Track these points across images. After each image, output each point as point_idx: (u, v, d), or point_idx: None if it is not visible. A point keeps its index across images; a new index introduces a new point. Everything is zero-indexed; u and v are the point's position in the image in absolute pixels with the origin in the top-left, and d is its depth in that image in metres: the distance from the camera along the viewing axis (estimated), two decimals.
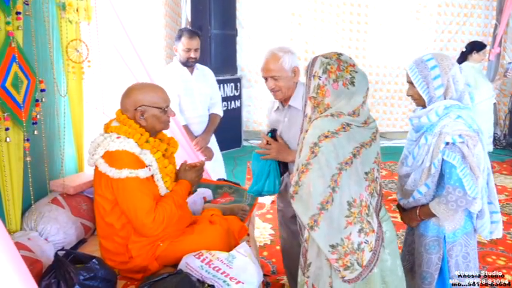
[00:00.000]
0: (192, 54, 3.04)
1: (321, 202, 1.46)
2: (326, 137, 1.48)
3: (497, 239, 3.28)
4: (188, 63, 3.07)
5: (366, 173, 1.58)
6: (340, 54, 1.60)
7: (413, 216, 1.89)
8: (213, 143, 3.27)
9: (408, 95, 1.86)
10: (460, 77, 1.74)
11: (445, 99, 1.74)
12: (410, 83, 1.80)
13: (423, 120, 1.76)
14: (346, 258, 1.49)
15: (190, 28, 3.09)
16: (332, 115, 1.53)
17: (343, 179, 1.49)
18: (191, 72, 3.14)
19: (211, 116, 3.24)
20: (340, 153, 1.49)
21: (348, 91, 1.55)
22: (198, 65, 3.19)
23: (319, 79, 1.56)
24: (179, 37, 3.04)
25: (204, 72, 3.24)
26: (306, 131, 1.56)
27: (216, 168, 3.29)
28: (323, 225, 1.47)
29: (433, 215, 1.79)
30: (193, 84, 3.13)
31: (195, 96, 3.12)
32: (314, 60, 1.61)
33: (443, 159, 1.69)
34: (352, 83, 1.55)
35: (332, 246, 1.48)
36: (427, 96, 1.76)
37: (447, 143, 1.67)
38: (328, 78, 1.54)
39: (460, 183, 1.66)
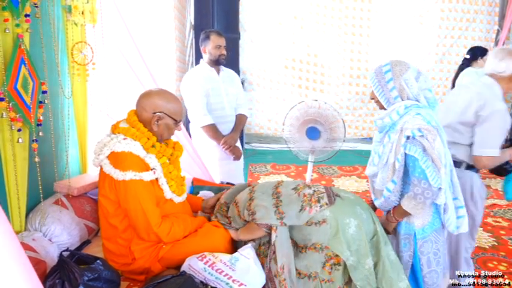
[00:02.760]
0: (223, 51, 3.12)
1: (274, 203, 1.88)
2: (253, 187, 2.04)
3: (499, 244, 3.30)
4: (220, 61, 3.13)
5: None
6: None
7: (389, 218, 1.95)
8: (237, 144, 3.29)
9: (371, 98, 2.02)
10: (414, 82, 1.86)
11: (402, 100, 1.87)
12: None
13: (386, 120, 1.88)
14: (312, 198, 1.87)
15: (214, 29, 3.23)
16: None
17: (281, 187, 1.96)
18: (218, 72, 3.19)
19: (238, 116, 3.28)
20: (267, 185, 2.00)
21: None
22: (222, 67, 3.24)
23: (221, 211, 2.11)
24: (207, 37, 3.10)
25: (229, 73, 3.30)
26: (235, 202, 2.02)
27: (236, 171, 3.31)
28: (287, 211, 1.84)
29: (407, 214, 1.87)
30: (221, 85, 3.17)
31: (223, 97, 3.16)
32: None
33: (406, 154, 1.79)
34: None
35: (300, 210, 1.84)
36: (383, 98, 1.91)
37: (408, 137, 1.78)
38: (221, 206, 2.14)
39: (424, 175, 1.75)
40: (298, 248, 1.87)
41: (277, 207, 1.87)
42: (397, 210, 1.90)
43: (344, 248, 1.77)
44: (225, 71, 3.26)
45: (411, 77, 1.86)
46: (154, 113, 1.92)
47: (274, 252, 1.80)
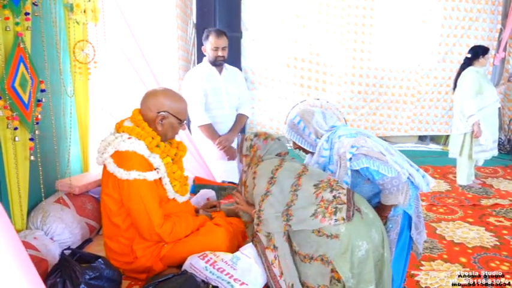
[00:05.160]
0: (220, 53, 3.07)
1: (286, 203, 1.81)
2: (277, 170, 1.92)
3: (501, 244, 3.30)
4: (217, 62, 3.10)
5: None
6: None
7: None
8: (233, 144, 3.25)
9: (295, 148, 2.24)
10: (323, 122, 2.13)
11: (319, 138, 2.12)
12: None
13: (321, 160, 2.10)
14: (329, 208, 1.75)
15: (217, 28, 3.15)
16: (269, 159, 2.03)
17: (304, 178, 1.87)
18: (220, 71, 3.16)
19: (238, 116, 3.25)
20: (292, 171, 1.92)
21: (276, 144, 2.10)
22: (227, 65, 3.20)
23: (251, 140, 2.10)
24: (207, 37, 3.07)
25: (232, 72, 3.26)
26: (255, 172, 1.97)
27: (233, 170, 3.28)
28: (296, 213, 1.77)
29: (391, 207, 2.05)
30: (221, 84, 3.14)
31: (223, 96, 3.14)
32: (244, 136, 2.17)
33: (357, 170, 1.98)
34: (279, 139, 2.13)
35: (313, 215, 1.75)
36: (306, 144, 2.15)
37: (350, 159, 1.98)
38: (259, 138, 2.10)
39: (381, 174, 1.94)
40: (299, 255, 1.79)
41: (289, 208, 1.79)
42: (382, 210, 2.05)
43: (347, 268, 1.70)
44: (229, 70, 3.22)
45: (319, 118, 2.13)
46: (159, 112, 1.92)
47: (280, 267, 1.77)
